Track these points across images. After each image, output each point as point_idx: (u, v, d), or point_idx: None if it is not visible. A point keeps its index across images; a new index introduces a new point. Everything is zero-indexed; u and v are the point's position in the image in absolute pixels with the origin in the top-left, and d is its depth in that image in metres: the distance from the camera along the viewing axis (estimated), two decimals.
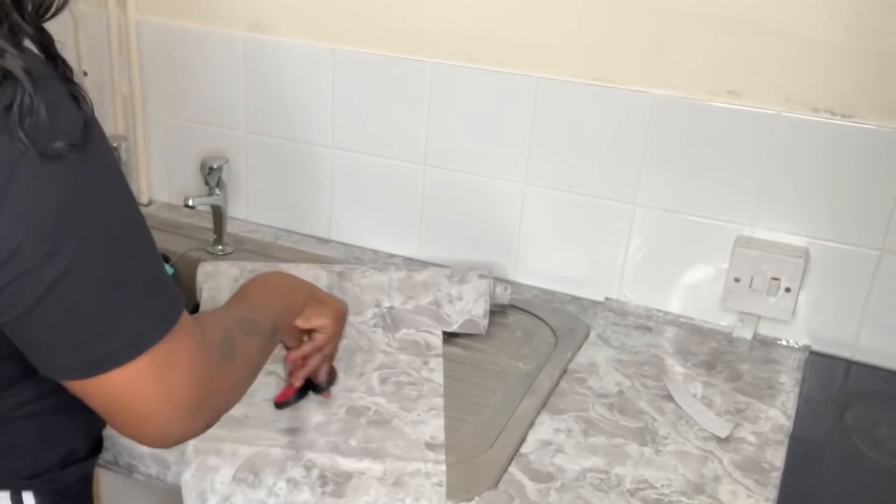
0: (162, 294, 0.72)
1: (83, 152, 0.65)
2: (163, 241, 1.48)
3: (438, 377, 1.13)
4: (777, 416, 1.09)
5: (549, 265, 1.37)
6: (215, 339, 0.78)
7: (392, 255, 1.47)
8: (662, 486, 0.96)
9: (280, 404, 1.03)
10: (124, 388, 0.70)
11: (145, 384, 0.71)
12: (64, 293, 0.66)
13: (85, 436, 0.88)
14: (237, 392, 0.82)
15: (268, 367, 1.13)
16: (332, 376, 1.04)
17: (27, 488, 0.82)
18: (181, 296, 0.74)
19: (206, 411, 0.77)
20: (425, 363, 1.16)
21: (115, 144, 1.53)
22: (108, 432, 1.00)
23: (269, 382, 1.10)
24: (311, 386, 1.04)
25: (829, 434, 1.11)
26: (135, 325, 0.70)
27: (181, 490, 0.95)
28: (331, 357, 1.06)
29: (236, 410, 1.03)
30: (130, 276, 0.70)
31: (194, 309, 1.25)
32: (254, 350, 0.85)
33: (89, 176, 0.67)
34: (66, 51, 1.62)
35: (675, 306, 1.31)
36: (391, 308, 1.23)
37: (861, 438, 1.08)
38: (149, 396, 0.71)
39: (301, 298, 0.99)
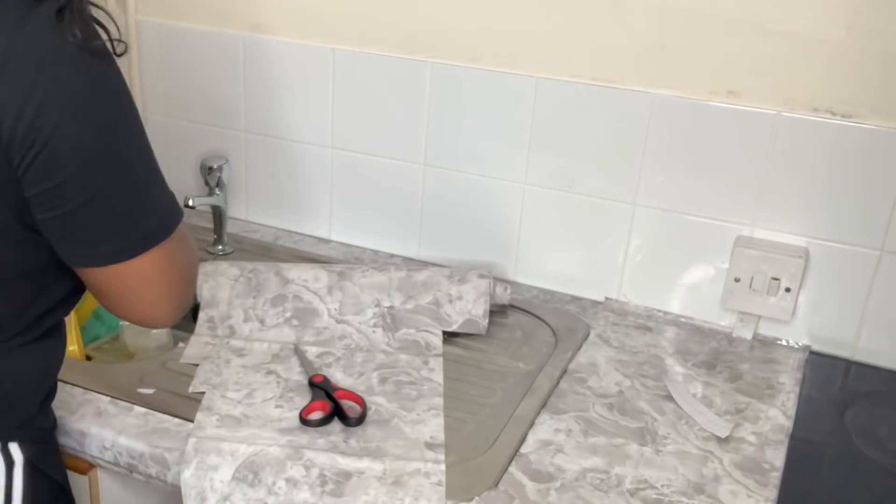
0: (167, 185, 0.83)
1: (114, 56, 0.76)
2: None
3: (438, 377, 1.13)
4: (777, 416, 1.09)
5: (549, 265, 1.37)
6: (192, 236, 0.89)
7: (392, 255, 1.47)
8: (662, 486, 0.96)
9: (305, 420, 1.02)
10: (149, 269, 0.81)
11: (165, 265, 0.82)
12: (120, 179, 0.77)
13: (51, 376, 0.92)
14: None
15: (269, 366, 1.13)
16: (363, 414, 1.04)
17: (13, 438, 0.87)
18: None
19: (188, 298, 0.88)
20: (425, 363, 1.16)
21: None
22: (104, 432, 1.00)
23: (268, 382, 1.10)
24: (340, 414, 1.03)
25: (829, 434, 1.11)
26: (166, 205, 0.82)
27: (181, 489, 0.95)
28: None
29: (236, 410, 1.03)
30: (154, 165, 0.81)
31: (194, 309, 1.25)
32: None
33: (121, 76, 0.77)
34: None
35: (675, 306, 1.31)
36: (391, 308, 1.23)
37: (861, 438, 1.08)
38: (166, 278, 0.83)
39: None
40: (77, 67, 0.72)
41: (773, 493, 0.96)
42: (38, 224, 0.76)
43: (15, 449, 0.88)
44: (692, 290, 1.29)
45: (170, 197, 0.83)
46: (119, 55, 0.77)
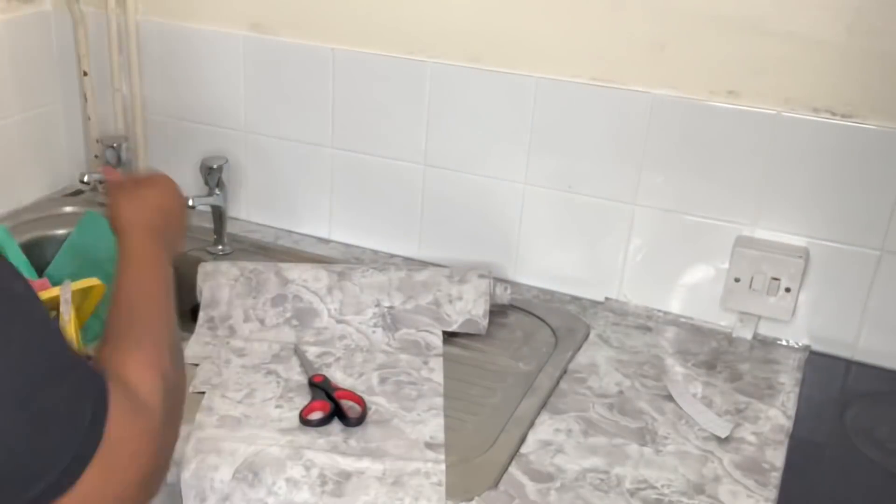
0: (83, 391, 0.61)
1: None
2: None
3: (438, 377, 1.13)
4: (777, 416, 1.09)
5: (549, 265, 1.37)
6: (154, 399, 0.67)
7: (392, 255, 1.47)
8: (662, 486, 0.96)
9: (305, 420, 1.02)
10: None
11: (96, 493, 0.62)
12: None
13: None
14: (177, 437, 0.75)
15: (269, 366, 1.13)
16: (363, 414, 1.04)
17: None
18: (98, 375, 0.63)
19: (160, 477, 0.70)
20: (425, 363, 1.16)
21: (114, 144, 1.53)
22: None
23: (268, 382, 1.10)
24: (340, 414, 1.03)
25: (829, 434, 1.11)
26: (68, 446, 0.60)
27: (181, 489, 0.95)
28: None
29: (236, 410, 1.03)
30: (51, 395, 0.59)
31: (194, 309, 1.25)
32: (183, 377, 0.75)
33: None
34: (67, 50, 1.62)
35: (675, 306, 1.31)
36: (391, 308, 1.23)
37: (861, 438, 1.08)
38: (104, 498, 0.63)
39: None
40: None
41: (773, 493, 0.96)
42: None
43: None
44: (692, 290, 1.29)
45: (72, 415, 0.60)
46: None
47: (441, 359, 1.17)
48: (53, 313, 1.28)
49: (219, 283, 1.23)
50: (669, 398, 1.12)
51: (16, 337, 0.59)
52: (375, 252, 1.47)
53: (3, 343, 0.58)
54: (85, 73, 1.56)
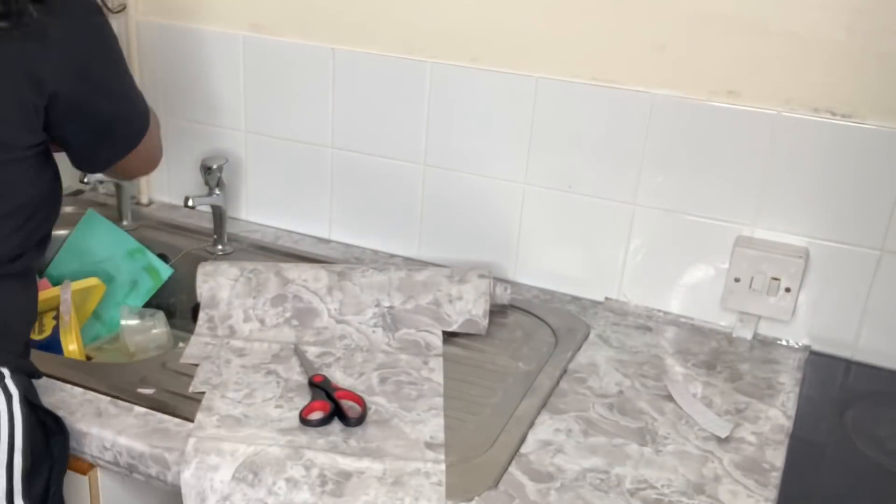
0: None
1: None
2: (163, 241, 1.48)
3: (438, 377, 1.13)
4: (777, 416, 1.09)
5: (549, 265, 1.37)
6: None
7: (392, 255, 1.47)
8: (662, 486, 0.96)
9: (305, 420, 1.02)
10: (144, 146, 1.11)
11: (152, 136, 1.13)
12: (127, 98, 1.07)
13: (33, 314, 1.05)
14: None
15: (269, 366, 1.13)
16: (363, 414, 1.04)
17: (11, 370, 0.95)
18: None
19: (162, 152, 1.22)
20: (425, 363, 1.16)
21: None
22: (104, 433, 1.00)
23: (268, 382, 1.10)
24: (340, 415, 1.03)
25: (829, 434, 1.11)
26: (144, 100, 1.11)
27: (181, 489, 0.95)
28: None
29: (236, 410, 1.03)
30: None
31: (194, 309, 1.25)
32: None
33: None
34: None
35: (675, 306, 1.31)
36: (391, 308, 1.23)
37: (861, 438, 1.08)
38: (154, 144, 1.16)
39: None
40: (96, 29, 1.01)
41: (773, 493, 0.96)
42: (71, 139, 1.02)
43: (10, 382, 0.93)
44: (692, 290, 1.29)
45: (141, 92, 1.11)
46: (116, 12, 1.08)
47: (441, 359, 1.17)
48: (53, 313, 1.29)
49: (219, 283, 1.23)
50: (669, 398, 1.12)
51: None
52: (375, 252, 1.48)
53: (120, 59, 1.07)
54: None
